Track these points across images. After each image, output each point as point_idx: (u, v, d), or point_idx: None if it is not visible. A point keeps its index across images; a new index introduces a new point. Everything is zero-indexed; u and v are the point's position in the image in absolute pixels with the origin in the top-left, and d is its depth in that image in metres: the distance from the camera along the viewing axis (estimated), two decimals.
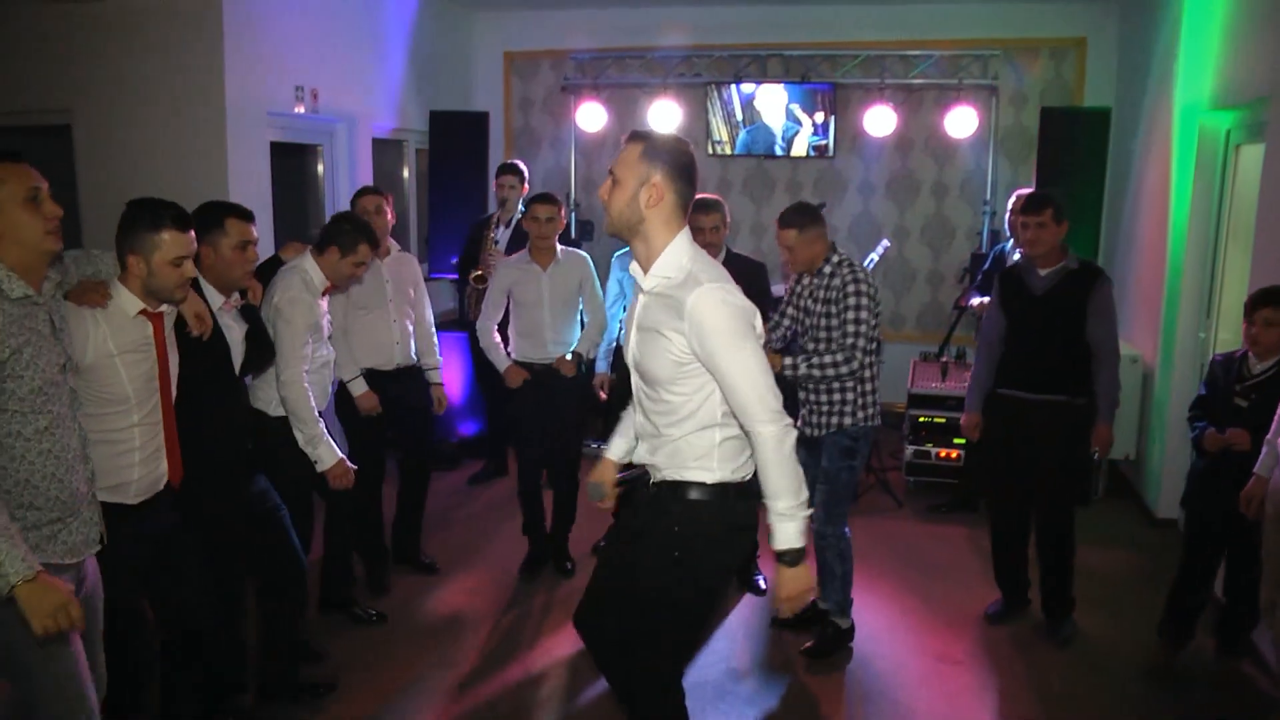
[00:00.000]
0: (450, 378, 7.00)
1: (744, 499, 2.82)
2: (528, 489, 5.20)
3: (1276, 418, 3.57)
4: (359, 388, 4.72)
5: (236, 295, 3.64)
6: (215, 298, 3.54)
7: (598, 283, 5.27)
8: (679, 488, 2.81)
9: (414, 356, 5.03)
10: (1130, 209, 7.17)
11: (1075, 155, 6.82)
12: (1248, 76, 5.07)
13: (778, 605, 2.75)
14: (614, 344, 5.42)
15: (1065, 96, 8.01)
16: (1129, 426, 6.40)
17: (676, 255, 2.73)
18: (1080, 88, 8.03)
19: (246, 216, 3.59)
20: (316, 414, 3.99)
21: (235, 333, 3.62)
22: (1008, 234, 6.46)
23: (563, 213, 5.11)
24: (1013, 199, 6.33)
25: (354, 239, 4.15)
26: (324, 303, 4.25)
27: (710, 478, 2.79)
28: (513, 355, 5.16)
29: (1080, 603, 4.69)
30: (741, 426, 2.71)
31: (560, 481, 5.29)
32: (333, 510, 4.59)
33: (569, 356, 5.12)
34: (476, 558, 5.51)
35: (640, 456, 2.96)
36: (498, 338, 5.16)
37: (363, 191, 5.02)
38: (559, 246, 5.13)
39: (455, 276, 7.16)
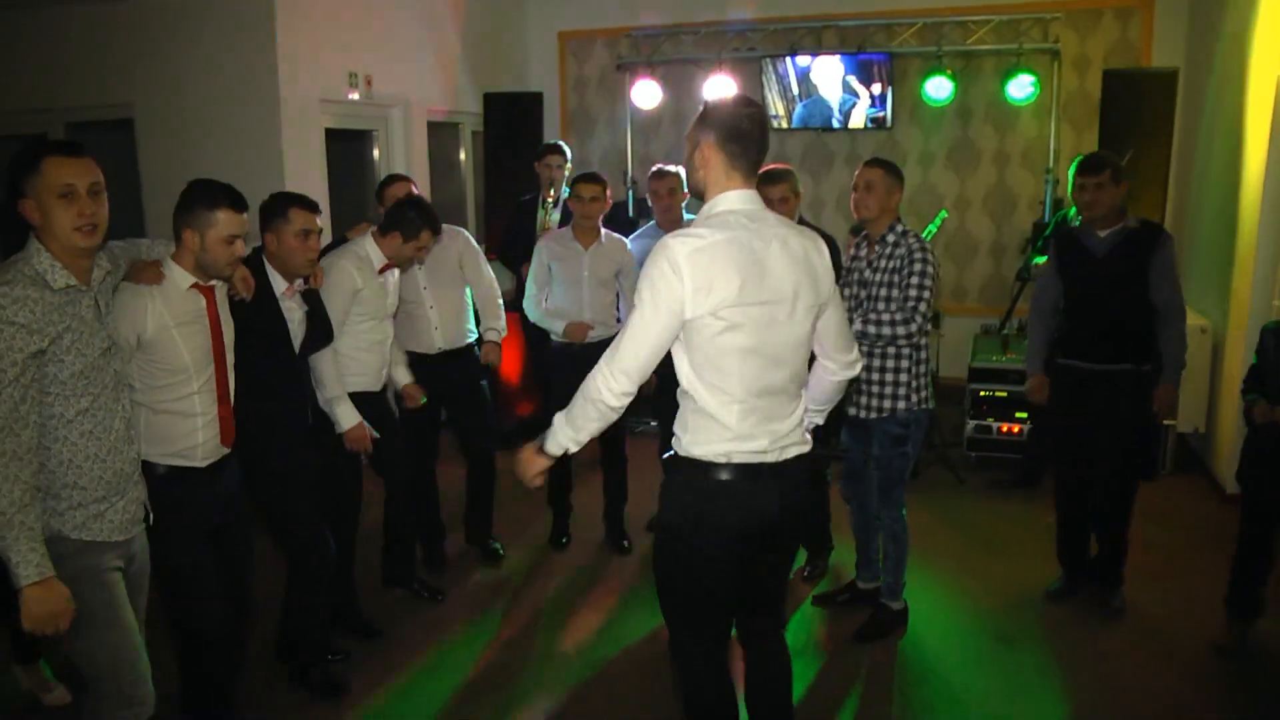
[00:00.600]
0: (509, 357, 7.06)
1: (703, 474, 2.73)
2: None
3: None
4: (403, 377, 4.76)
5: (300, 281, 3.79)
6: (279, 283, 3.73)
7: (637, 269, 5.25)
8: (671, 455, 2.85)
9: (464, 338, 5.03)
10: (1199, 174, 6.96)
11: (1140, 120, 6.62)
12: None
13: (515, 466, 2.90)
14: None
15: (1131, 59, 7.78)
16: (1198, 399, 6.24)
17: (707, 208, 2.75)
18: (1147, 49, 7.79)
19: (310, 206, 3.75)
20: (338, 378, 4.14)
21: (296, 315, 3.80)
22: (1071, 201, 6.30)
23: (608, 193, 5.12)
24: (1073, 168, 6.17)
25: (418, 226, 4.29)
26: (391, 280, 4.41)
27: (680, 448, 2.79)
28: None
29: (1143, 578, 4.62)
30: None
31: (612, 459, 5.34)
32: (391, 489, 4.69)
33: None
34: (529, 535, 5.57)
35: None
36: (544, 307, 5.22)
37: (391, 179, 5.05)
38: (603, 230, 5.16)
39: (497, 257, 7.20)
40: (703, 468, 2.72)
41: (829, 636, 4.47)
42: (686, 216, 5.36)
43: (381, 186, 5.08)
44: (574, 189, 5.10)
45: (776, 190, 4.54)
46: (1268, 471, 4.07)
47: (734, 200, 2.71)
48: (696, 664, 2.94)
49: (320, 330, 3.94)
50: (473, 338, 5.08)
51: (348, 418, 4.15)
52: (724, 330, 2.60)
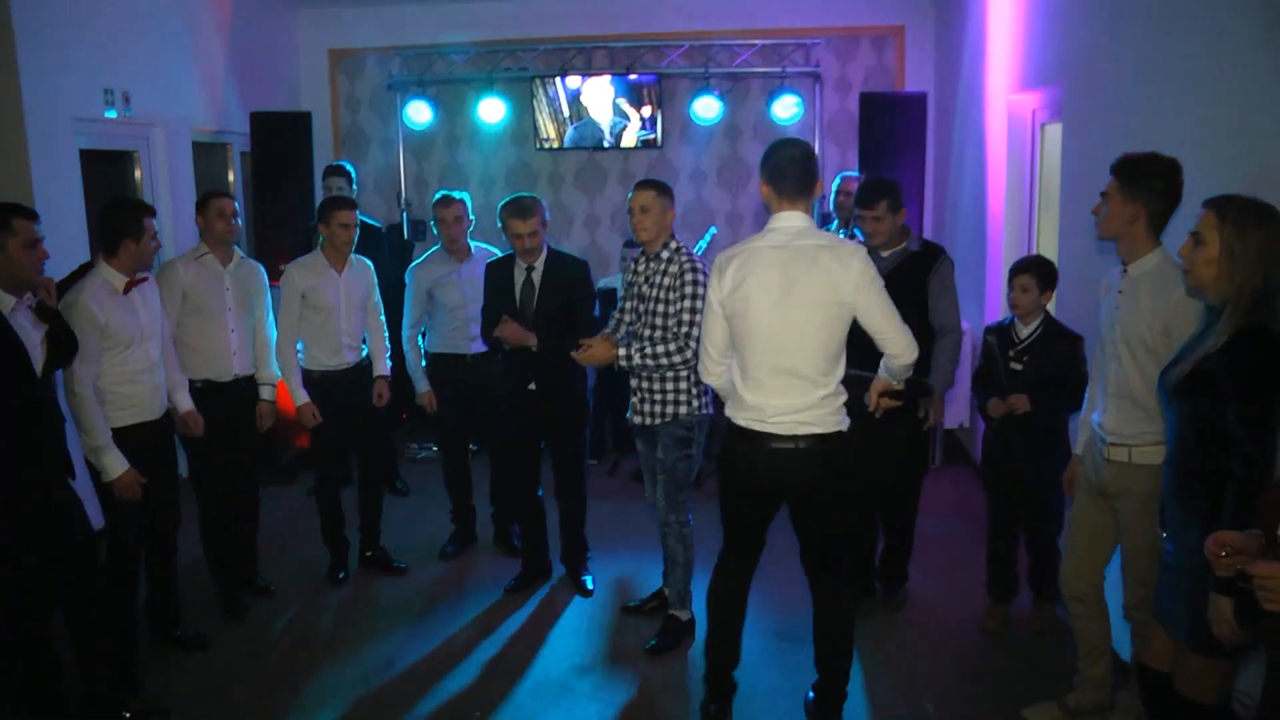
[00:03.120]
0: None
1: (740, 440, 3.49)
2: (328, 492, 5.18)
3: (1086, 396, 3.68)
4: (184, 404, 4.46)
5: (29, 295, 3.56)
6: (6, 300, 3.48)
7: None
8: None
9: (250, 369, 4.80)
10: (953, 189, 7.41)
11: (896, 139, 7.00)
12: (1047, 60, 5.27)
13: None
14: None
15: (887, 82, 8.23)
16: (962, 397, 6.59)
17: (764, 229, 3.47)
18: (901, 74, 8.26)
19: (31, 215, 3.57)
20: (101, 423, 3.89)
21: (33, 334, 3.55)
22: (834, 215, 6.58)
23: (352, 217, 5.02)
24: (837, 180, 6.46)
25: (137, 217, 4.07)
26: (144, 298, 4.14)
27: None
28: (306, 365, 5.00)
29: (918, 570, 4.82)
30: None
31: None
32: (160, 534, 4.35)
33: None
34: (304, 570, 5.31)
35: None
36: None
37: (212, 194, 4.74)
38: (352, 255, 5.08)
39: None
40: (730, 428, 3.53)
41: (634, 645, 4.48)
42: (473, 244, 5.31)
43: (203, 202, 4.70)
44: (333, 216, 4.94)
45: (525, 225, 4.61)
46: (1006, 462, 4.38)
47: (768, 229, 3.49)
48: (718, 563, 3.82)
49: (65, 345, 3.69)
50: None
51: (115, 466, 3.89)
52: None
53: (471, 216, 5.35)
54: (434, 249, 5.43)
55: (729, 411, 3.53)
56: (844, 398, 3.47)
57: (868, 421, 4.55)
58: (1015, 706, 3.87)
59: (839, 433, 3.45)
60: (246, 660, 4.41)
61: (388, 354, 5.29)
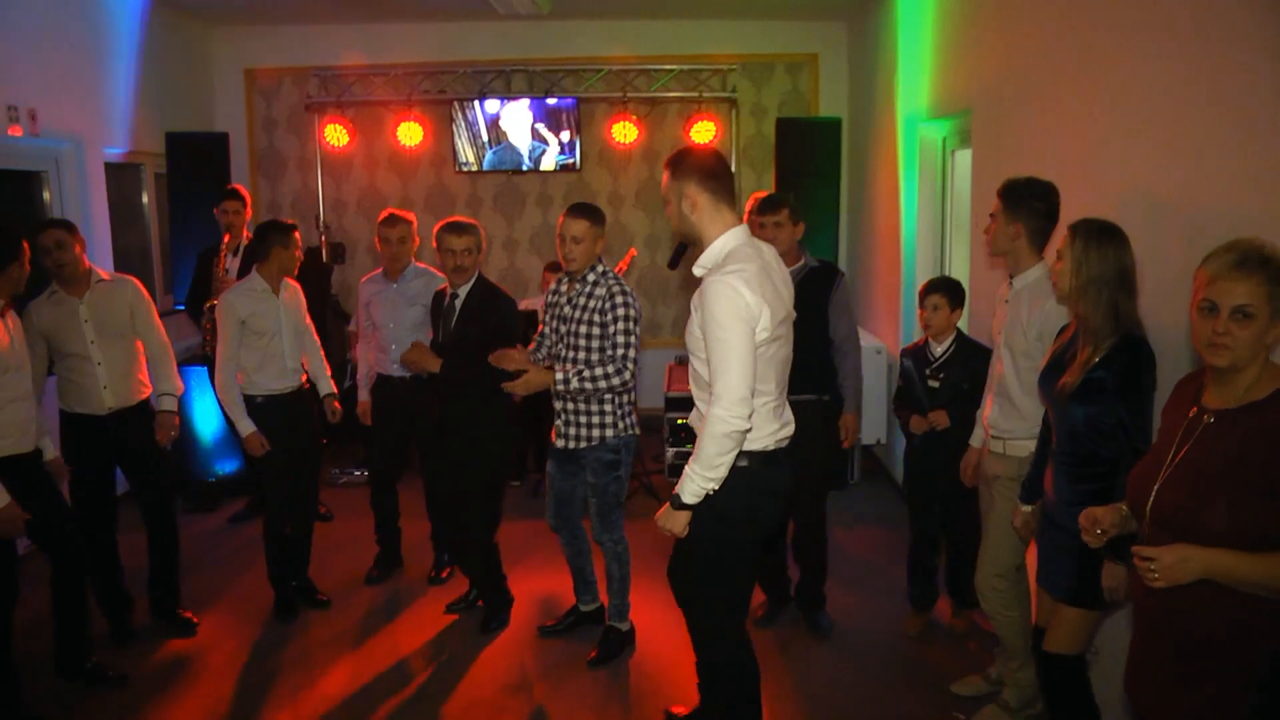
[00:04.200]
0: (201, 416, 6.67)
1: (773, 466, 3.19)
2: (278, 528, 5.00)
3: (985, 394, 3.90)
4: (48, 449, 4.32)
5: None
6: None
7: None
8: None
9: (137, 394, 4.68)
10: (867, 211, 7.59)
11: (811, 163, 7.17)
12: (955, 89, 5.46)
13: (659, 523, 3.19)
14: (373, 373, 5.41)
15: (802, 108, 8.43)
16: (878, 413, 6.73)
17: (718, 248, 3.12)
18: (815, 100, 8.47)
19: None
20: None
21: None
22: None
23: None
24: (749, 202, 6.56)
25: (13, 241, 3.99)
26: (9, 330, 4.02)
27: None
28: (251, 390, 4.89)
29: (837, 584, 4.91)
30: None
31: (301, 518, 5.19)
32: (60, 564, 4.24)
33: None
34: (227, 600, 5.22)
35: (691, 421, 3.27)
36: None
37: (44, 225, 4.55)
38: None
39: (182, 308, 6.87)
40: (765, 456, 3.17)
41: (559, 662, 4.50)
42: (413, 264, 5.31)
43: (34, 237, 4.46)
44: (289, 238, 4.92)
45: (460, 242, 4.58)
46: (929, 475, 4.54)
47: (738, 235, 3.12)
48: (737, 639, 3.38)
49: None
50: (145, 395, 4.74)
51: None
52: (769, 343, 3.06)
53: (417, 236, 5.35)
54: (377, 272, 5.42)
55: (752, 445, 3.12)
56: None
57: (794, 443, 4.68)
58: (945, 686, 4.13)
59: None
60: (180, 694, 4.31)
61: (328, 369, 5.26)
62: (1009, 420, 3.65)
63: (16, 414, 3.99)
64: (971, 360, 4.36)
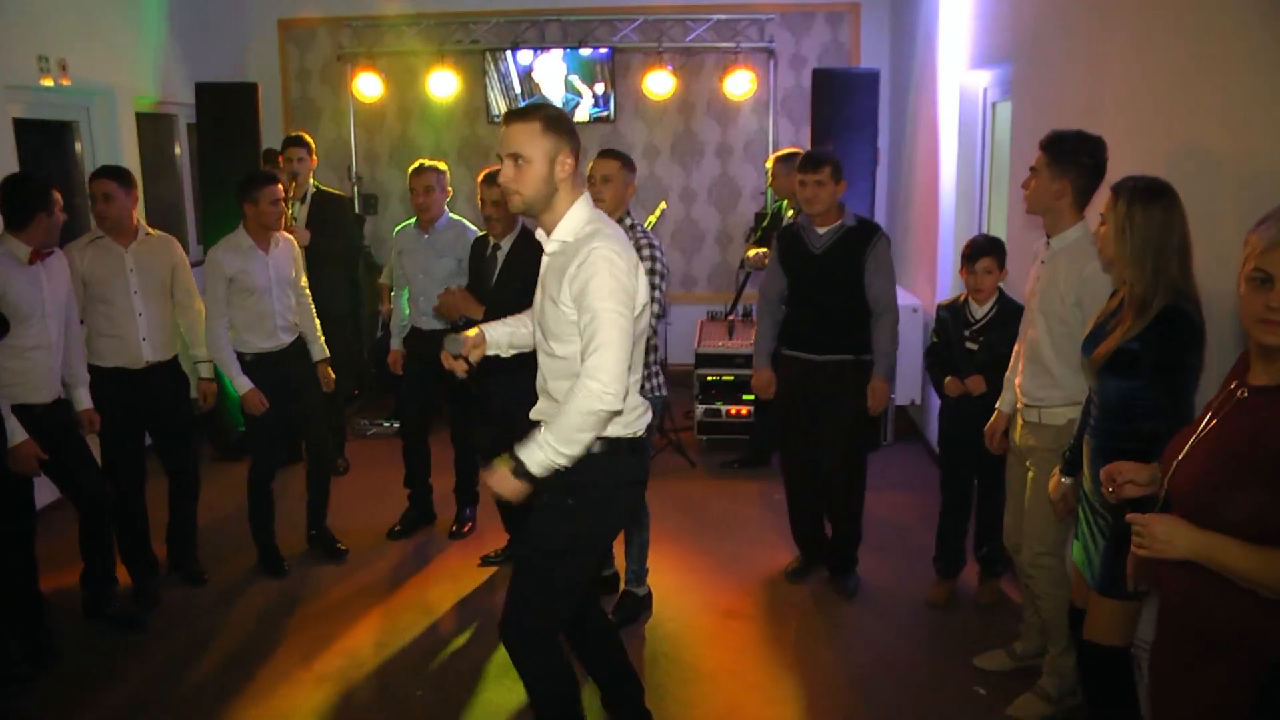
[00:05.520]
0: None
1: (636, 455, 2.99)
2: (262, 483, 4.98)
3: (1014, 356, 3.76)
4: (81, 400, 4.34)
5: None
6: None
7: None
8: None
9: (173, 349, 4.68)
10: (906, 165, 7.43)
11: (848, 116, 6.99)
12: (998, 39, 5.29)
13: (488, 482, 2.88)
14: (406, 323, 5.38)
15: (842, 59, 8.22)
16: (913, 372, 6.62)
17: (577, 218, 2.89)
18: (856, 51, 8.25)
19: None
20: None
21: None
22: (777, 192, 6.52)
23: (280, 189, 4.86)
24: (771, 161, 6.44)
25: (44, 188, 3.99)
26: (44, 277, 4.02)
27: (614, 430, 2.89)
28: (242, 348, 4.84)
29: (864, 547, 4.81)
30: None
31: (316, 462, 5.18)
32: (88, 516, 4.29)
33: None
34: (250, 551, 5.14)
35: (539, 412, 3.02)
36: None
37: (96, 172, 4.53)
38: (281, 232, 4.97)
39: None
40: (629, 444, 2.96)
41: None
42: (446, 216, 5.25)
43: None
44: (261, 193, 4.74)
45: (490, 193, 4.50)
46: (962, 440, 4.38)
47: (589, 203, 2.95)
48: (557, 651, 3.07)
49: None
50: (177, 350, 4.73)
51: (11, 435, 3.77)
52: (639, 320, 2.87)
53: (449, 188, 5.30)
54: (409, 223, 5.38)
55: (616, 431, 2.93)
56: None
57: (814, 404, 4.61)
58: (968, 658, 4.02)
59: None
60: (187, 652, 4.29)
61: (319, 333, 5.15)
62: (1043, 388, 3.47)
63: (38, 363, 4.00)
64: (1013, 322, 4.10)
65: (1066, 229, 3.41)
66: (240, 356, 4.75)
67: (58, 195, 4.02)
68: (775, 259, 4.71)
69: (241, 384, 4.72)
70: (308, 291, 5.09)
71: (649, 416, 3.03)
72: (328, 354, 5.17)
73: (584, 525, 2.97)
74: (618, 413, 2.80)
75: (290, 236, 5.03)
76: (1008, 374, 3.81)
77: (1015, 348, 3.75)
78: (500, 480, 2.81)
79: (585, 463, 2.84)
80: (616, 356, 2.74)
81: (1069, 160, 3.32)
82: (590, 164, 4.25)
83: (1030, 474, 3.57)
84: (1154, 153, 3.40)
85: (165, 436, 4.74)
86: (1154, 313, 2.75)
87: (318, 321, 5.13)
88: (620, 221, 4.22)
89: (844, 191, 4.48)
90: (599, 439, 2.85)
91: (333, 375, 5.18)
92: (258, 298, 4.76)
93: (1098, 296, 3.21)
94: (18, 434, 3.79)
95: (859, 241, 4.46)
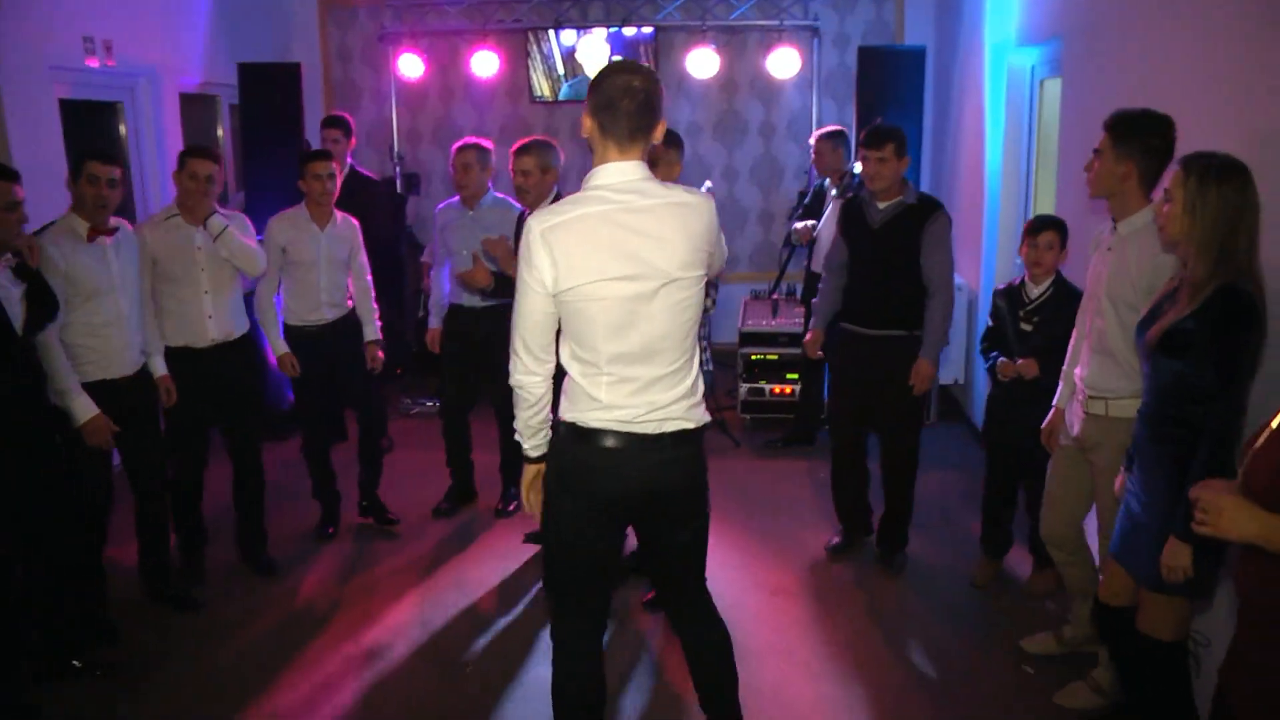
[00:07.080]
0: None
1: (583, 444, 2.71)
2: (315, 449, 5.17)
3: (1070, 349, 3.68)
4: (158, 368, 4.40)
5: (9, 256, 3.53)
6: None
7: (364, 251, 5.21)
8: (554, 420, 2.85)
9: (239, 329, 4.68)
10: (951, 144, 7.36)
11: (893, 94, 6.93)
12: (1047, 16, 5.22)
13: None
14: (446, 301, 5.38)
15: (886, 37, 8.15)
16: (958, 351, 6.59)
17: (587, 180, 2.69)
18: (900, 28, 8.18)
19: (8, 176, 3.49)
20: (66, 367, 3.83)
21: (13, 293, 3.51)
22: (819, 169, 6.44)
23: (335, 169, 4.95)
24: (814, 139, 6.37)
25: (76, 163, 4.01)
26: (112, 253, 4.07)
27: (563, 414, 2.77)
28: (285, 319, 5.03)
29: (913, 527, 4.79)
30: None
31: (366, 435, 5.28)
32: (145, 496, 4.34)
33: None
34: (295, 528, 5.29)
35: None
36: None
37: (187, 152, 4.51)
38: (336, 211, 5.03)
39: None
40: (576, 434, 2.72)
41: (617, 606, 4.45)
42: (491, 194, 5.27)
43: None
44: (308, 167, 4.87)
45: (520, 163, 4.52)
46: (1010, 423, 4.34)
47: (603, 174, 2.65)
48: (560, 650, 2.95)
49: (45, 307, 3.64)
50: (246, 329, 4.75)
51: (83, 410, 3.84)
52: (587, 304, 2.59)
53: (491, 165, 5.29)
54: (453, 199, 5.38)
55: (571, 417, 2.73)
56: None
57: (866, 379, 4.59)
58: (1013, 640, 4.02)
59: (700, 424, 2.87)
60: (240, 622, 4.38)
61: (376, 314, 5.24)
62: (1112, 379, 3.32)
63: (112, 339, 4.06)
64: (1068, 305, 3.99)
65: (1133, 213, 3.25)
66: (286, 326, 4.96)
67: (97, 168, 3.95)
68: (838, 229, 4.72)
69: (279, 346, 4.93)
70: (368, 276, 5.18)
71: (627, 413, 2.67)
72: (380, 337, 5.24)
73: (548, 510, 2.85)
74: (540, 393, 2.73)
75: (354, 221, 5.10)
76: (1065, 367, 3.70)
77: (1072, 340, 3.66)
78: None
79: (551, 444, 2.82)
80: (515, 330, 2.69)
81: (1135, 141, 3.17)
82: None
83: (1095, 470, 3.45)
84: (1218, 137, 3.23)
85: (228, 419, 4.75)
86: (1211, 290, 2.67)
87: (376, 306, 5.24)
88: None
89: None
90: (561, 421, 2.76)
91: (381, 356, 5.24)
92: (305, 269, 4.92)
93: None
94: (90, 409, 3.85)
95: (917, 219, 4.42)
